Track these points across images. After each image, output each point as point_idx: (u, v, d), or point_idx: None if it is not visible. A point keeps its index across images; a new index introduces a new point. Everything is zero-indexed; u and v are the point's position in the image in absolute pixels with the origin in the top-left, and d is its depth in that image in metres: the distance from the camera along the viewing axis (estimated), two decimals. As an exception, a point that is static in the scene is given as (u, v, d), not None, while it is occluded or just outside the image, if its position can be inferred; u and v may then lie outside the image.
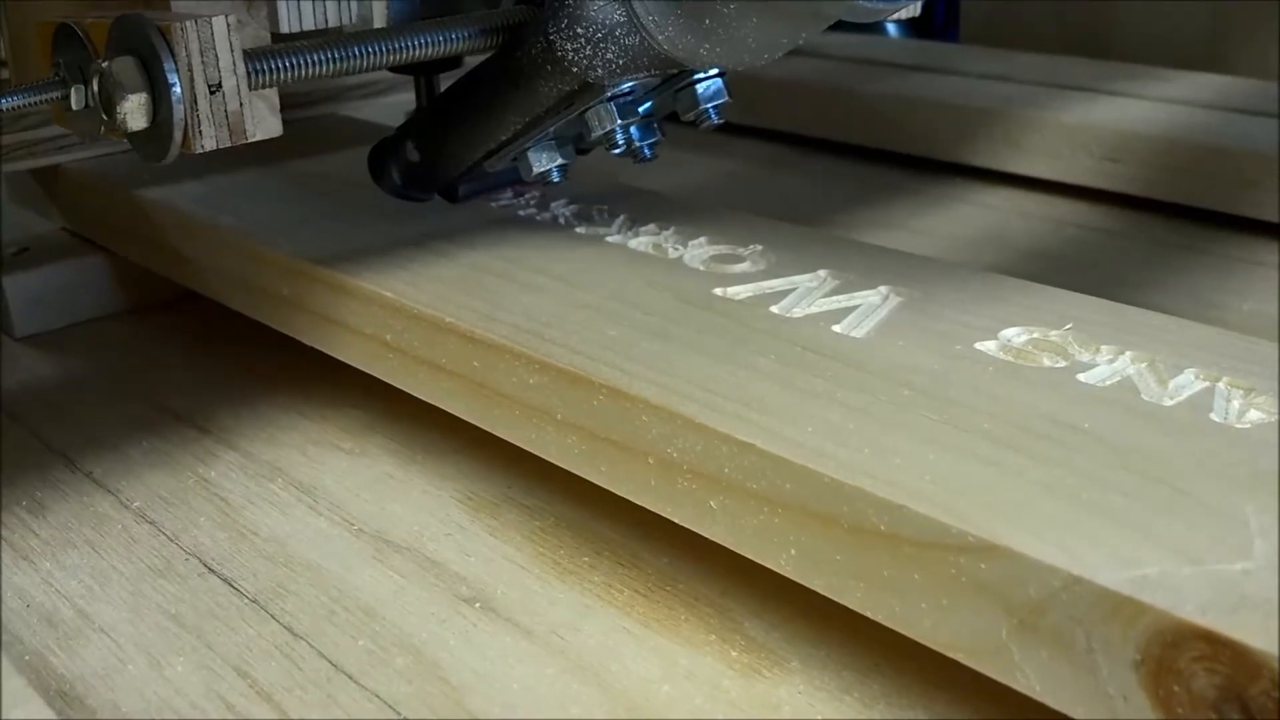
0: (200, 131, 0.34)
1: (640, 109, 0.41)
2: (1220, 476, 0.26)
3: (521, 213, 0.46)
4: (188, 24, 0.33)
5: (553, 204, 0.47)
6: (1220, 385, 0.30)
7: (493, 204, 0.47)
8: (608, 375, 0.32)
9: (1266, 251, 0.55)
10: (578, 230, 0.44)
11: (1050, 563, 0.23)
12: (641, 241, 0.43)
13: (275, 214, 0.47)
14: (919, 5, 0.43)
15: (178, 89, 0.33)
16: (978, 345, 0.33)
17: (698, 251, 0.41)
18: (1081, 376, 0.31)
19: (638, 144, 0.41)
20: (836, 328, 0.35)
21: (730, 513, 0.29)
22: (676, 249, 0.42)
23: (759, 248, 0.41)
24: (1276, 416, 0.28)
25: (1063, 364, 0.32)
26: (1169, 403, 0.29)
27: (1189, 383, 0.30)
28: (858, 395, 0.30)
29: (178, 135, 0.34)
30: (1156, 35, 0.88)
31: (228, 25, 0.33)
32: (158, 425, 0.45)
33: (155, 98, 0.34)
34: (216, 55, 0.33)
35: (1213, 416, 0.29)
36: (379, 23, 0.40)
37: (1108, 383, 0.31)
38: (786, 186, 0.68)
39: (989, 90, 0.68)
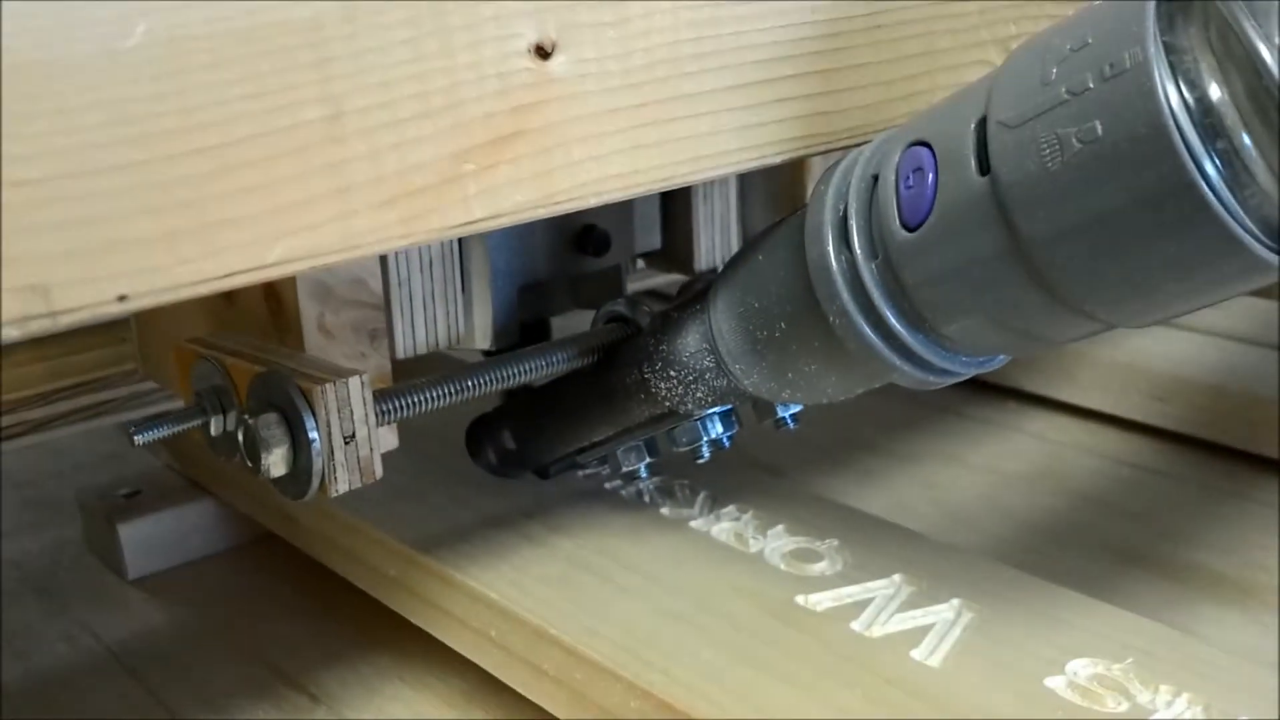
0: (336, 476, 0.37)
1: (721, 411, 0.44)
2: None
3: (608, 485, 0.50)
4: (327, 387, 0.36)
5: (637, 477, 0.50)
6: (1273, 740, 0.33)
7: (580, 474, 0.51)
8: (705, 713, 0.35)
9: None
10: (663, 511, 0.47)
11: None
12: (723, 529, 0.46)
13: (380, 483, 0.50)
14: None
15: (317, 443, 0.37)
16: (1047, 682, 0.36)
17: (776, 543, 0.44)
18: (1143, 727, 0.34)
19: (718, 437, 0.45)
20: (915, 654, 0.37)
21: None
22: (756, 539, 0.45)
23: (835, 543, 0.44)
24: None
25: (1125, 706, 0.35)
26: (1225, 763, 0.32)
27: (1243, 735, 0.33)
28: (939, 748, 0.33)
29: (315, 481, 0.37)
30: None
31: (361, 383, 0.37)
32: (271, 691, 0.49)
33: (295, 448, 0.37)
34: (351, 410, 0.37)
35: (1267, 781, 0.31)
36: (482, 338, 0.44)
37: (1168, 736, 0.33)
38: (844, 407, 0.71)
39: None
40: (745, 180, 0.59)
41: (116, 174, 0.25)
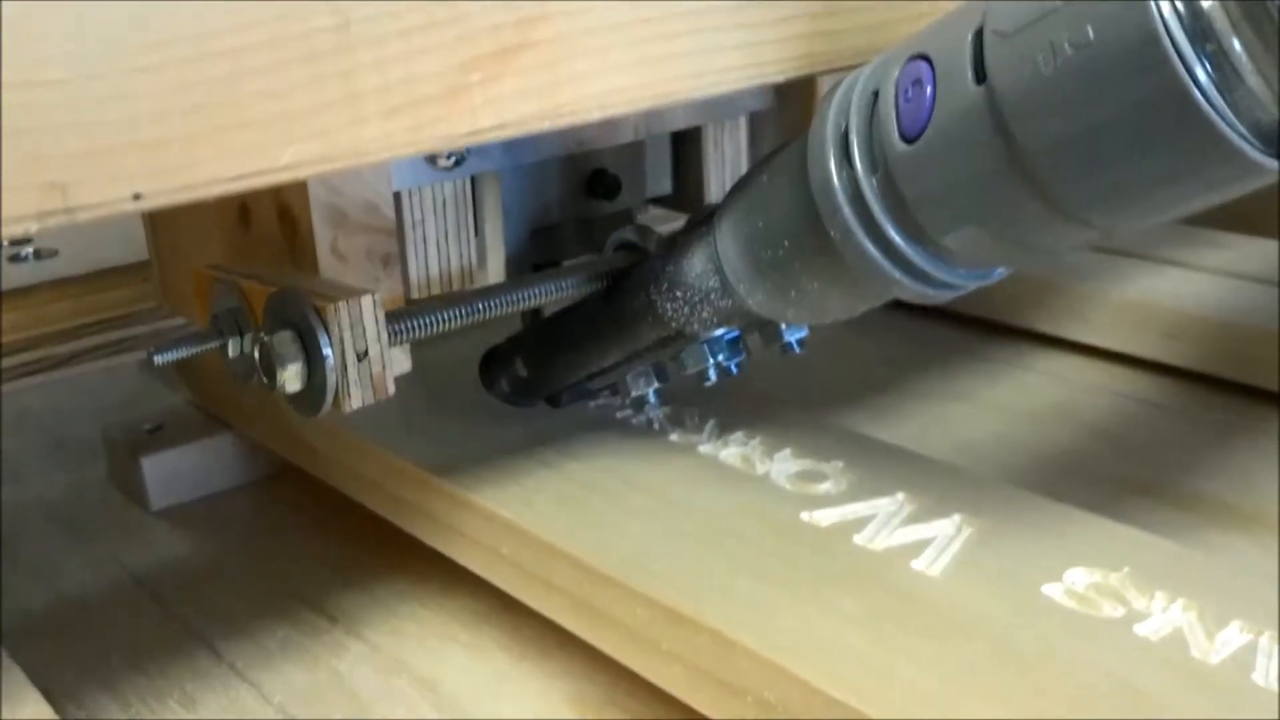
0: (349, 393, 0.38)
1: (727, 337, 0.45)
2: (1260, 749, 0.30)
3: (618, 414, 0.51)
4: (340, 305, 0.37)
5: (646, 405, 0.51)
6: (1262, 640, 0.34)
7: (591, 404, 0.51)
8: (710, 618, 0.36)
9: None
10: (672, 438, 0.48)
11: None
12: (731, 453, 0.47)
13: (396, 412, 0.51)
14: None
15: (331, 359, 0.38)
16: (1045, 589, 0.36)
17: (783, 466, 0.45)
18: (1138, 628, 0.34)
19: (725, 363, 0.46)
20: (915, 564, 0.38)
21: (823, 756, 0.33)
22: (763, 462, 0.46)
23: (840, 464, 0.45)
24: (1314, 679, 0.32)
25: (1121, 612, 0.35)
26: (1214, 660, 0.33)
27: (1234, 636, 0.34)
28: (939, 649, 0.34)
29: (329, 397, 0.38)
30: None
31: (374, 302, 0.38)
32: (290, 613, 0.50)
33: (310, 365, 0.38)
34: (364, 328, 0.38)
35: (1254, 677, 0.32)
36: (495, 274, 0.45)
37: (1160, 635, 0.34)
38: (856, 349, 0.72)
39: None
40: (755, 124, 0.59)
41: (134, 77, 0.26)
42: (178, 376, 0.63)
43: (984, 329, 0.72)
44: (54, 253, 0.88)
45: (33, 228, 0.25)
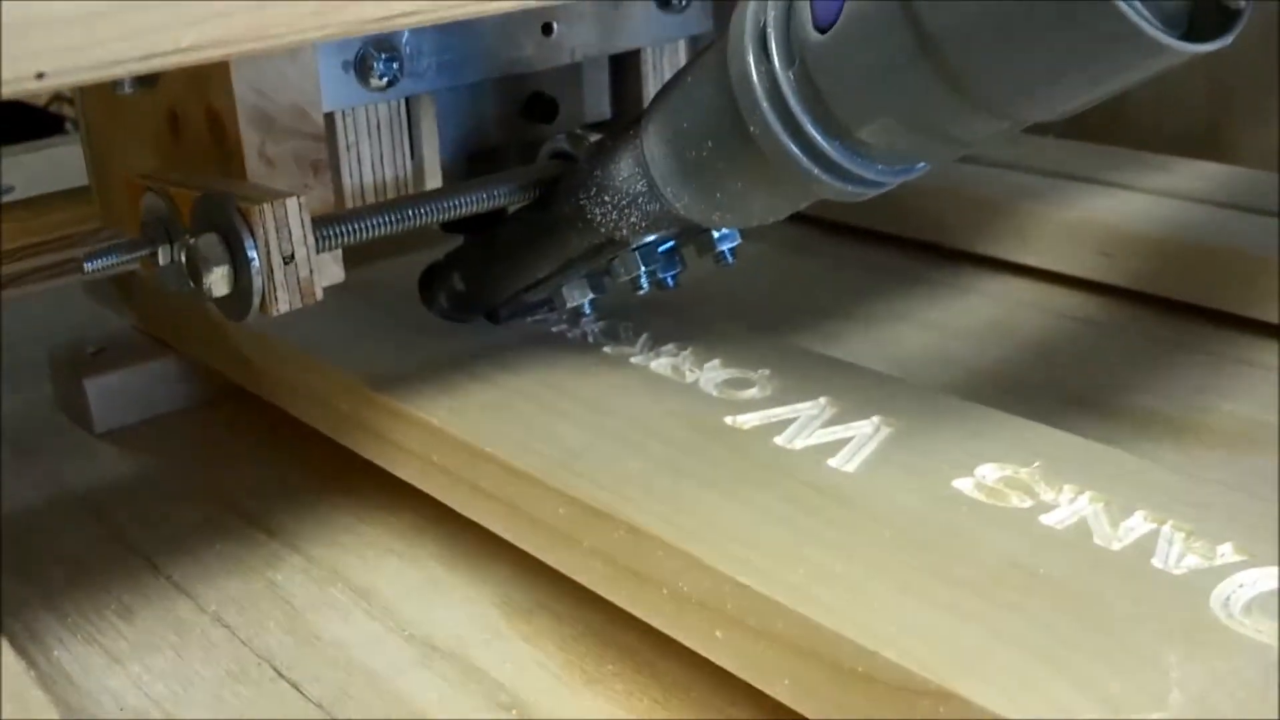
0: (276, 296, 0.39)
1: (661, 249, 0.45)
2: (1151, 624, 0.30)
3: (554, 329, 0.51)
4: (265, 206, 0.38)
5: (582, 319, 0.51)
6: (1165, 528, 0.34)
7: (529, 320, 0.52)
8: (627, 513, 0.37)
9: (1255, 350, 0.59)
10: (605, 350, 0.49)
11: (996, 711, 0.28)
12: (662, 363, 0.47)
13: (336, 329, 0.52)
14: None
15: (256, 262, 0.38)
16: (955, 483, 0.37)
17: (711, 374, 0.46)
18: (1043, 518, 0.35)
19: (661, 275, 0.46)
20: (831, 461, 0.39)
21: (733, 642, 0.34)
22: (693, 371, 0.46)
23: (766, 372, 0.46)
24: (1211, 562, 0.33)
25: (1028, 503, 0.36)
26: (1117, 546, 0.34)
27: (1138, 525, 0.35)
28: (846, 536, 0.35)
29: (256, 300, 0.39)
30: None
31: (299, 205, 0.38)
32: (229, 528, 0.50)
33: (236, 268, 0.39)
34: (290, 231, 0.38)
35: (1154, 561, 0.33)
36: (432, 182, 0.45)
37: (1065, 524, 0.35)
38: (803, 272, 0.72)
39: (998, 180, 0.72)
40: (695, 48, 0.59)
41: (33, -43, 0.26)
42: (120, 300, 0.63)
43: (924, 252, 0.73)
44: (11, 189, 0.88)
45: (-69, 104, 0.25)
